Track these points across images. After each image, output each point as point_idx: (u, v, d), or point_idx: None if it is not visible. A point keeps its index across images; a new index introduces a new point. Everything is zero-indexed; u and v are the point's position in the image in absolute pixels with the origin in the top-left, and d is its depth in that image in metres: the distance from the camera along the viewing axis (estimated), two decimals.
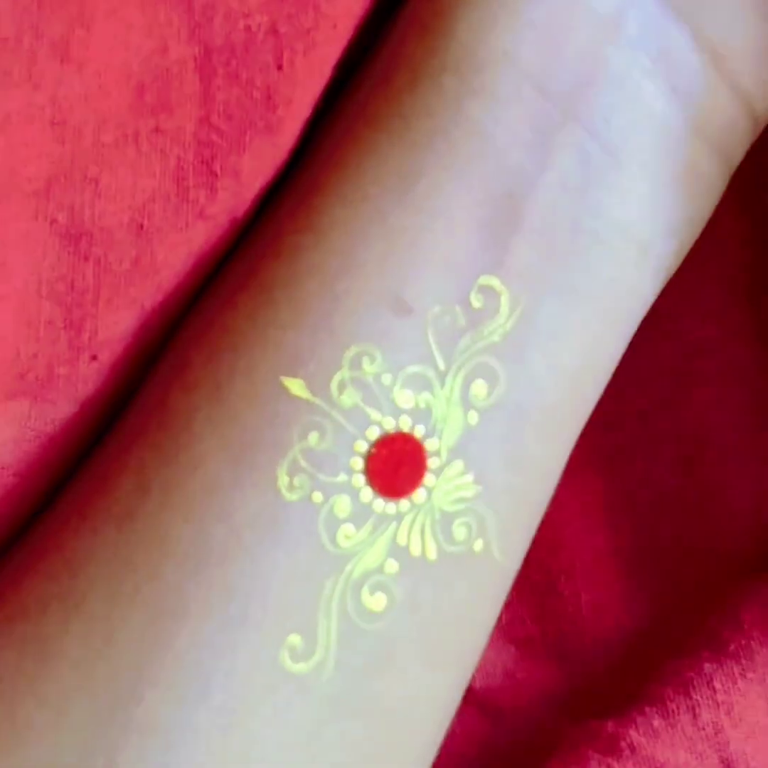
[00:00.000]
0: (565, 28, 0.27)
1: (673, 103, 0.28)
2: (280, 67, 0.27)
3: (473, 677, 0.30)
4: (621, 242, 0.28)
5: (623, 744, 0.30)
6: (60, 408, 0.27)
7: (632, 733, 0.30)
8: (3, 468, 0.27)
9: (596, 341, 0.29)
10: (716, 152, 0.29)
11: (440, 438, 0.27)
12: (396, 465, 0.27)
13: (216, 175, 0.27)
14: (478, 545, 0.28)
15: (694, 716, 0.31)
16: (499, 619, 0.33)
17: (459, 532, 0.27)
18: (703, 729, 0.31)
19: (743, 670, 0.31)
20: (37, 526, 0.28)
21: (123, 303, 0.27)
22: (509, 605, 0.34)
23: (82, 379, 0.27)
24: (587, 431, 0.34)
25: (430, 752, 0.29)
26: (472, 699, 0.31)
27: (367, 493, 0.26)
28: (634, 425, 0.35)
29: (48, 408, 0.27)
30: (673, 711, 0.31)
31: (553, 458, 0.29)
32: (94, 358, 0.27)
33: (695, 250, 0.32)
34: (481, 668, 0.30)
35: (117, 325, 0.27)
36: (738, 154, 0.30)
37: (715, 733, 0.31)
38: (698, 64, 0.27)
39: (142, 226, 0.27)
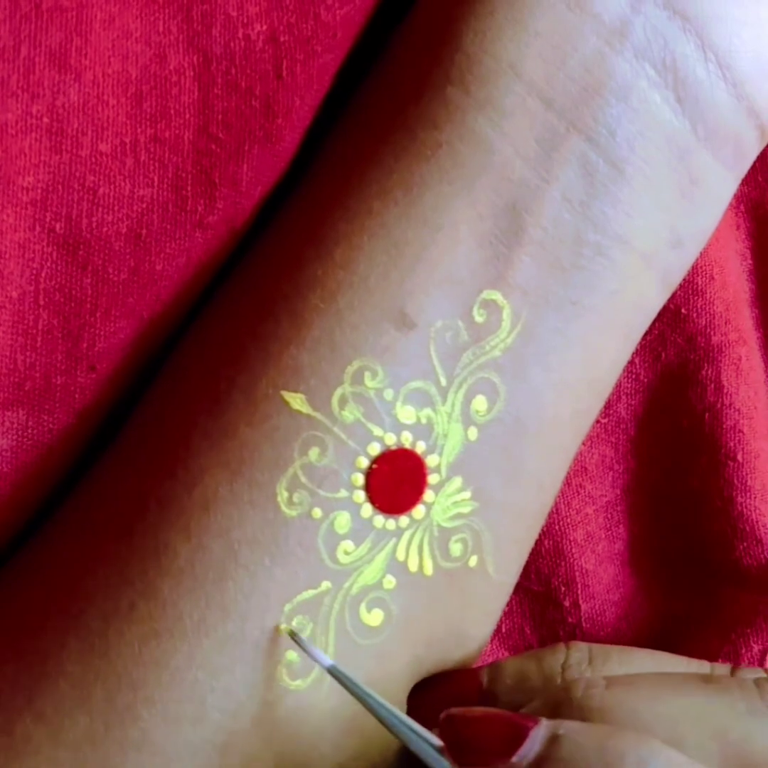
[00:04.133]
0: (570, 39, 0.27)
1: (679, 113, 0.27)
2: (279, 76, 0.26)
3: None
4: (623, 255, 0.28)
5: None
6: (58, 418, 0.27)
7: None
8: (0, 477, 0.27)
9: (597, 354, 0.29)
10: (723, 162, 0.28)
11: (441, 454, 0.27)
12: (397, 481, 0.26)
13: (215, 185, 0.27)
14: (473, 561, 0.28)
15: None
16: (499, 628, 0.33)
17: (455, 548, 0.27)
18: None
19: None
20: (37, 538, 0.28)
21: (121, 313, 0.27)
22: (509, 614, 0.34)
23: (80, 389, 0.27)
24: (587, 440, 0.34)
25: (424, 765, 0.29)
26: None
27: (367, 509, 0.26)
28: (634, 432, 0.35)
29: (45, 418, 0.27)
30: None
31: (551, 472, 0.29)
32: (91, 368, 0.27)
33: (701, 257, 0.32)
34: None
35: (115, 335, 0.27)
36: (745, 164, 0.29)
37: None
38: (705, 74, 0.27)
39: (140, 236, 0.26)
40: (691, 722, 0.25)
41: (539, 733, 0.23)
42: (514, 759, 0.23)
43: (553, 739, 0.23)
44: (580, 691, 0.25)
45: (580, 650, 0.28)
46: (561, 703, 0.25)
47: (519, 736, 0.23)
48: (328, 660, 0.26)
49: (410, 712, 0.28)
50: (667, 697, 0.25)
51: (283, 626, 0.26)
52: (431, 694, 0.26)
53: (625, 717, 0.25)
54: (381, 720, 0.25)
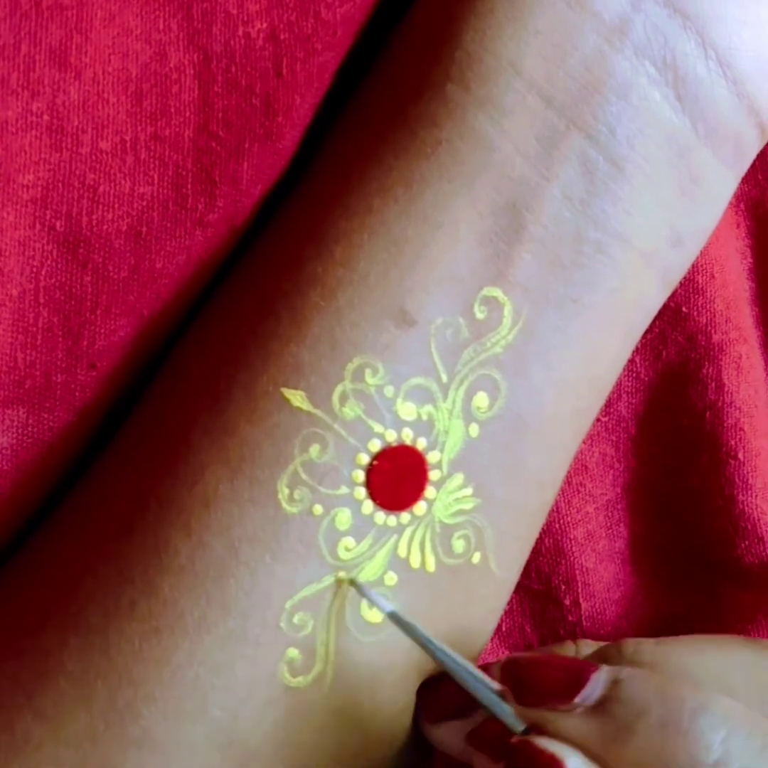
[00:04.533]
0: (570, 37, 0.27)
1: (679, 111, 0.27)
2: (279, 74, 0.26)
3: None
4: (624, 253, 0.28)
5: None
6: (58, 416, 0.27)
7: None
8: (0, 476, 0.27)
9: (597, 352, 0.29)
10: (723, 160, 0.28)
11: (442, 451, 0.27)
12: (398, 478, 0.26)
13: (215, 183, 0.27)
14: (476, 557, 0.28)
15: None
16: (499, 626, 0.33)
17: (458, 544, 0.27)
18: None
19: None
20: (37, 536, 0.28)
21: (121, 311, 0.27)
22: (509, 613, 0.34)
23: (81, 387, 0.27)
24: (588, 439, 0.34)
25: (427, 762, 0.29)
26: None
27: (368, 505, 0.26)
28: (635, 430, 0.35)
29: (46, 416, 0.27)
30: None
31: (552, 469, 0.29)
32: (92, 366, 0.27)
33: (701, 255, 0.32)
34: None
35: (115, 333, 0.27)
36: (745, 162, 0.29)
37: None
38: (705, 72, 0.27)
39: (140, 234, 0.26)
40: (739, 676, 0.26)
41: (601, 676, 0.24)
42: (577, 700, 0.24)
43: (615, 683, 0.24)
44: (631, 647, 0.26)
45: (588, 646, 0.29)
46: (611, 658, 0.26)
47: (581, 679, 0.24)
48: (388, 606, 0.26)
49: (421, 709, 0.28)
50: (715, 653, 0.26)
51: (341, 574, 0.26)
52: (444, 690, 0.27)
53: (675, 671, 0.26)
54: (444, 665, 0.26)
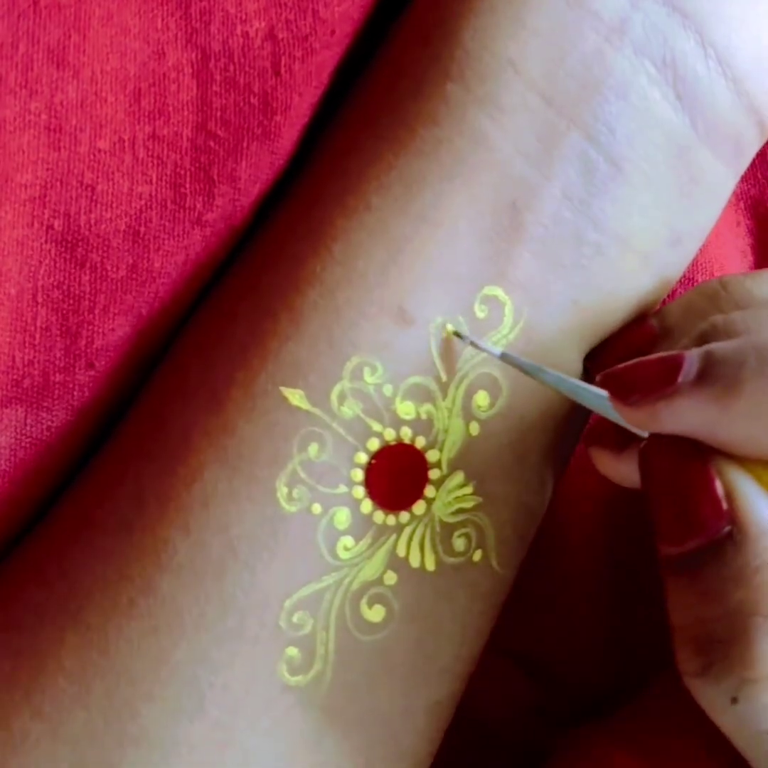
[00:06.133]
0: (569, 36, 0.27)
1: (678, 110, 0.27)
2: (277, 73, 0.26)
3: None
4: (622, 254, 0.28)
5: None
6: (56, 415, 0.27)
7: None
8: None
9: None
10: (722, 159, 0.28)
11: (441, 449, 0.27)
12: (397, 477, 0.26)
13: (213, 182, 0.27)
14: (477, 555, 0.28)
15: None
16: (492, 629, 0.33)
17: (458, 543, 0.27)
18: None
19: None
20: (34, 535, 0.28)
21: (120, 310, 0.27)
22: (503, 615, 0.33)
23: (79, 386, 0.27)
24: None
25: (425, 762, 0.29)
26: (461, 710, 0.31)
27: (367, 504, 0.26)
28: None
29: (44, 415, 0.27)
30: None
31: (551, 468, 0.29)
32: (90, 365, 0.27)
33: (702, 254, 0.32)
34: (471, 680, 0.30)
35: (113, 332, 0.27)
36: (744, 161, 0.29)
37: None
38: (704, 71, 0.27)
39: (138, 233, 0.26)
40: None
41: (693, 354, 0.24)
42: (680, 379, 0.24)
43: (708, 353, 0.24)
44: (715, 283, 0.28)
45: (731, 275, 0.29)
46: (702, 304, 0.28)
47: (676, 362, 0.24)
48: (497, 350, 0.27)
49: (590, 375, 0.29)
50: None
51: (449, 327, 0.27)
52: (609, 353, 0.28)
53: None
54: (558, 389, 0.27)
